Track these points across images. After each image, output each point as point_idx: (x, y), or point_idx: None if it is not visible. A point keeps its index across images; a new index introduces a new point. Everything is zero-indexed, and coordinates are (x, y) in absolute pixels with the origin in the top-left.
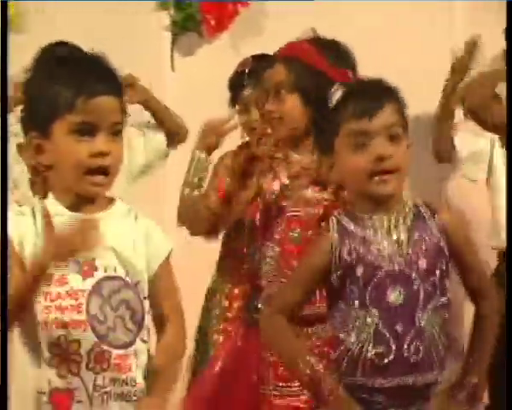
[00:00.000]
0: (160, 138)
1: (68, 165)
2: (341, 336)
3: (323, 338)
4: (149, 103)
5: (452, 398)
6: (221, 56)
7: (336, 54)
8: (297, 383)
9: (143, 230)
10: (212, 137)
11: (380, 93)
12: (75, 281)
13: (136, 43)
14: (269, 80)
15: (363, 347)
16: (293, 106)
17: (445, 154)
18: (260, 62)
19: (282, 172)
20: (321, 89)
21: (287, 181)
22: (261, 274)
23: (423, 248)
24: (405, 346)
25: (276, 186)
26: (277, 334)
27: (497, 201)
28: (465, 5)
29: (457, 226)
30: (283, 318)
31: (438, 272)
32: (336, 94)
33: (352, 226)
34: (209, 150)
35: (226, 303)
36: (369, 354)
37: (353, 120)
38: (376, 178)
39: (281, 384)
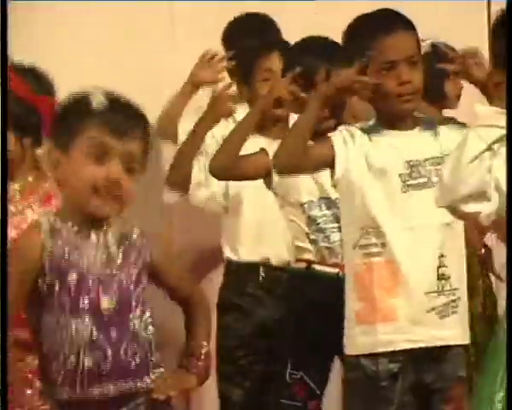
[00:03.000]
0: None
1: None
2: (54, 348)
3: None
4: None
5: (188, 371)
6: None
7: (37, 81)
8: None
9: None
10: None
11: (131, 118)
12: None
13: None
14: None
15: (79, 356)
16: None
17: None
18: None
19: None
20: (28, 118)
21: None
22: None
23: (132, 258)
24: (122, 352)
25: None
26: None
27: None
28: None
29: (159, 250)
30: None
31: (145, 280)
32: (97, 98)
33: (65, 232)
34: None
35: None
36: (86, 364)
37: (100, 130)
38: (96, 198)
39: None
